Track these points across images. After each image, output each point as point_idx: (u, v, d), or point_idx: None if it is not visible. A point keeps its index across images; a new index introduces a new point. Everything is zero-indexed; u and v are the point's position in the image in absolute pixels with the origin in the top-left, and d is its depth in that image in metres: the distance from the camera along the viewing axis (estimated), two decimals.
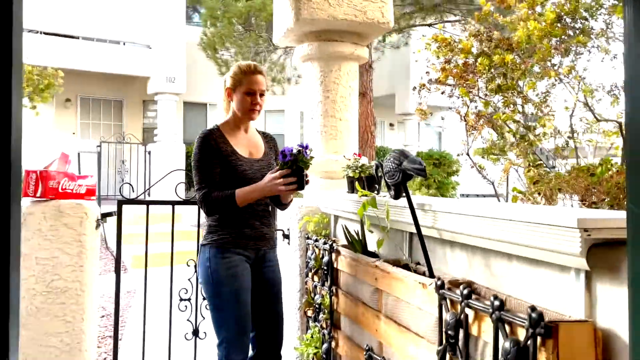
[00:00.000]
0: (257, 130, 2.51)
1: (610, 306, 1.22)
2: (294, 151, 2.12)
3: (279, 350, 2.37)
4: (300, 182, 2.14)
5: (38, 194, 2.46)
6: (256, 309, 2.30)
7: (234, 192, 2.16)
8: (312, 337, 2.55)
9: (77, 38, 11.13)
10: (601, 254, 1.25)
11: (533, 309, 1.19)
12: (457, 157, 5.58)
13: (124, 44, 11.79)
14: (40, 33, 10.67)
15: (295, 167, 2.13)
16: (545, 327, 1.17)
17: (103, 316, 4.53)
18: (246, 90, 2.28)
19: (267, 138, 2.52)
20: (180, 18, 12.06)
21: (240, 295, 2.19)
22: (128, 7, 11.62)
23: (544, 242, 1.34)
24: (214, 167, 2.23)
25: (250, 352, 2.34)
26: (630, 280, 0.92)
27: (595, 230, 1.23)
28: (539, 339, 1.18)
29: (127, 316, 4.60)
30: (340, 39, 3.61)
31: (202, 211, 2.32)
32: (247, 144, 2.37)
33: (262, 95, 2.33)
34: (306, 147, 2.16)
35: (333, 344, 2.44)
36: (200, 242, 2.35)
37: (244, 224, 2.26)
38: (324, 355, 2.47)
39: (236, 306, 2.18)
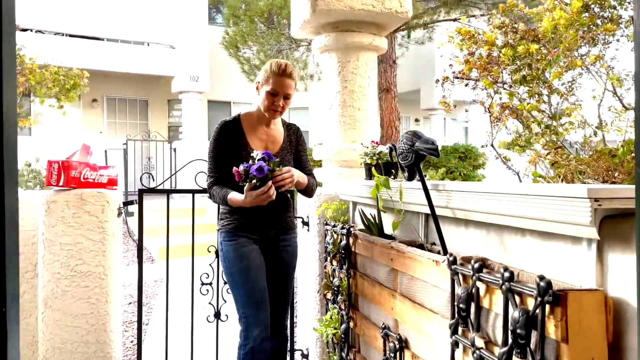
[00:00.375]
0: (282, 122, 2.52)
1: (622, 275, 1.21)
2: (263, 164, 2.12)
3: (282, 326, 2.46)
4: (278, 187, 2.19)
5: (61, 183, 2.54)
6: (268, 286, 2.38)
7: (228, 194, 2.24)
8: (331, 318, 2.58)
9: (102, 40, 11.39)
10: (613, 224, 1.24)
11: (541, 277, 1.19)
12: (481, 148, 5.51)
13: (148, 44, 12.01)
14: (66, 35, 10.95)
15: (271, 175, 2.15)
16: (553, 296, 1.16)
17: (130, 303, 4.66)
18: (271, 90, 2.29)
19: (290, 130, 2.52)
20: (203, 18, 12.22)
21: (251, 273, 2.28)
22: (151, 9, 11.83)
23: (556, 214, 1.33)
24: (223, 158, 2.31)
25: None
26: (638, 242, 0.91)
27: (606, 201, 1.22)
28: (547, 307, 1.18)
29: (154, 303, 4.72)
30: (358, 29, 3.61)
31: None
32: (265, 139, 2.40)
33: (287, 98, 2.33)
34: (270, 156, 2.16)
35: (351, 324, 2.46)
36: (216, 229, 2.45)
37: (251, 211, 2.31)
38: (343, 335, 2.49)
39: (247, 283, 2.27)
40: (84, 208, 2.52)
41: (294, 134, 2.53)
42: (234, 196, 2.22)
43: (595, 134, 5.26)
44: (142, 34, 11.81)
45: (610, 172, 2.27)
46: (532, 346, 1.21)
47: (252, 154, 2.16)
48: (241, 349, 2.27)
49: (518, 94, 5.70)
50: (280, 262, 2.43)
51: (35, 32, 10.64)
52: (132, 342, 3.70)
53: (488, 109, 6.15)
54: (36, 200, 2.62)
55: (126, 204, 2.76)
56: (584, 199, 1.22)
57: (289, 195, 2.51)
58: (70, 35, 11.04)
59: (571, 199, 1.26)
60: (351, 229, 2.49)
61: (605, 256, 1.26)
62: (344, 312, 2.51)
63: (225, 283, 2.80)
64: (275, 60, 2.34)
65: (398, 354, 1.94)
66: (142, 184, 2.81)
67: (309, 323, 2.95)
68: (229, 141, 2.32)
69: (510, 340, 1.26)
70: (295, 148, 2.50)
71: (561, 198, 1.30)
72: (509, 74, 5.69)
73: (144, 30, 11.79)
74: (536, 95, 5.48)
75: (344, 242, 2.52)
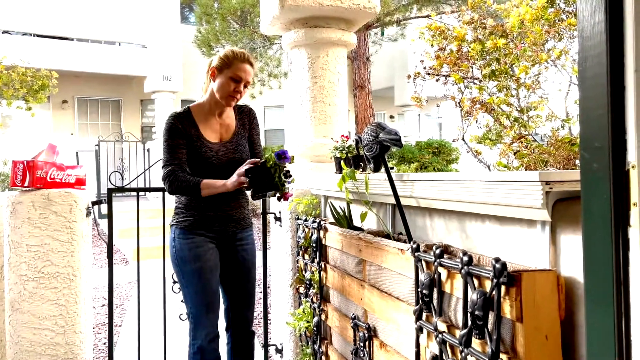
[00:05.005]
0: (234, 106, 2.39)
1: (573, 255, 1.25)
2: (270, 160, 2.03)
3: (249, 326, 2.43)
4: (257, 189, 2.05)
5: (26, 184, 2.50)
6: (228, 287, 2.38)
7: (200, 182, 2.14)
8: (303, 311, 2.60)
9: (72, 40, 11.19)
10: (565, 207, 1.29)
11: (497, 260, 1.22)
12: (453, 142, 5.61)
13: (119, 44, 11.85)
14: (34, 35, 10.73)
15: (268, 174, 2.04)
16: (508, 277, 1.20)
17: (103, 305, 4.60)
18: (232, 75, 2.20)
19: (242, 112, 2.41)
20: (175, 17, 12.11)
21: (203, 274, 2.22)
22: (122, 8, 11.67)
23: (512, 199, 1.37)
24: (181, 147, 2.20)
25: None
26: (584, 222, 0.95)
27: (556, 184, 1.26)
28: (503, 288, 1.22)
29: (128, 305, 4.67)
30: (327, 25, 3.63)
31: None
32: (218, 129, 2.31)
33: (246, 85, 2.25)
34: (283, 156, 2.04)
35: (323, 316, 2.49)
36: (169, 223, 2.35)
37: (208, 207, 2.24)
38: (315, 328, 2.51)
39: (199, 284, 2.21)
40: (50, 208, 2.48)
41: (246, 115, 2.43)
42: (210, 182, 2.13)
43: (563, 126, 5.39)
44: (113, 33, 11.64)
45: (570, 160, 2.34)
46: (489, 327, 1.25)
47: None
48: (190, 348, 2.25)
49: (487, 88, 5.80)
50: (240, 262, 2.37)
51: (2, 32, 10.39)
52: (104, 343, 3.66)
53: (459, 103, 6.24)
54: (1, 202, 2.58)
55: (95, 203, 2.73)
56: (536, 183, 1.26)
57: (246, 192, 2.41)
58: (39, 36, 10.82)
59: (524, 183, 1.31)
60: (322, 223, 2.51)
61: (558, 237, 1.30)
62: (315, 305, 2.53)
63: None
64: (234, 48, 2.26)
65: (367, 343, 1.97)
66: (112, 183, 2.78)
67: (283, 317, 2.96)
68: (182, 133, 2.21)
69: (469, 322, 1.30)
70: (249, 131, 2.41)
71: (516, 183, 1.35)
72: (478, 69, 5.78)
73: (115, 29, 11.62)
74: (505, 89, 5.58)
75: (314, 235, 2.54)
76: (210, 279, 2.24)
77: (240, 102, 2.39)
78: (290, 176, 2.07)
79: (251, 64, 2.25)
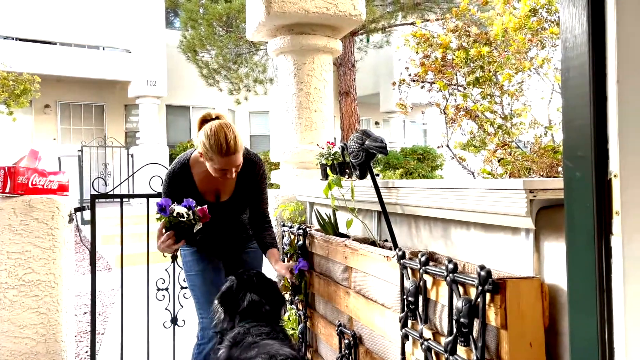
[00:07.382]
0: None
1: (556, 263, 1.27)
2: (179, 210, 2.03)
3: None
4: (180, 236, 2.06)
5: (7, 190, 2.46)
6: None
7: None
8: (289, 319, 2.59)
9: (55, 44, 11.06)
10: (549, 215, 1.30)
11: (482, 267, 1.23)
12: (437, 149, 5.65)
13: (103, 48, 11.74)
14: (16, 39, 10.59)
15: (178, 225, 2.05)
16: (493, 284, 1.21)
17: (86, 313, 4.53)
18: (217, 168, 2.06)
19: (249, 167, 2.25)
20: (160, 22, 12.03)
21: (206, 276, 2.30)
22: (106, 13, 11.57)
23: (497, 207, 1.38)
24: (176, 199, 2.18)
25: None
26: (567, 229, 0.96)
27: (540, 192, 1.28)
28: (487, 295, 1.23)
29: (111, 312, 4.61)
30: (313, 32, 3.64)
31: None
32: (215, 184, 2.23)
33: (237, 167, 2.10)
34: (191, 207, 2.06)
35: (309, 323, 2.48)
36: None
37: (206, 232, 2.21)
38: (300, 335, 2.51)
39: (203, 286, 2.29)
40: (32, 215, 2.44)
41: (252, 172, 2.27)
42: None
43: (546, 133, 5.46)
44: (97, 37, 11.53)
45: (553, 168, 2.37)
46: (474, 334, 1.25)
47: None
48: (195, 348, 2.31)
49: (472, 95, 5.86)
50: (243, 263, 2.41)
51: None
52: (86, 352, 3.60)
53: (443, 110, 6.29)
54: None
55: (78, 209, 2.70)
56: (520, 191, 1.27)
57: (243, 217, 2.41)
58: (21, 40, 10.67)
59: (509, 191, 1.32)
60: (307, 229, 2.51)
61: (542, 245, 1.32)
62: (301, 312, 2.53)
63: (182, 288, 2.78)
64: (212, 138, 2.00)
65: (353, 350, 1.97)
66: (95, 189, 2.75)
67: None
68: (180, 189, 2.19)
69: (454, 330, 1.30)
70: (254, 188, 2.30)
71: (500, 190, 1.36)
72: (462, 76, 5.84)
73: (98, 34, 11.51)
74: (489, 97, 5.64)
75: (300, 242, 2.53)
76: (215, 280, 2.30)
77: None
78: (181, 215, 2.04)
79: (235, 152, 2.03)
